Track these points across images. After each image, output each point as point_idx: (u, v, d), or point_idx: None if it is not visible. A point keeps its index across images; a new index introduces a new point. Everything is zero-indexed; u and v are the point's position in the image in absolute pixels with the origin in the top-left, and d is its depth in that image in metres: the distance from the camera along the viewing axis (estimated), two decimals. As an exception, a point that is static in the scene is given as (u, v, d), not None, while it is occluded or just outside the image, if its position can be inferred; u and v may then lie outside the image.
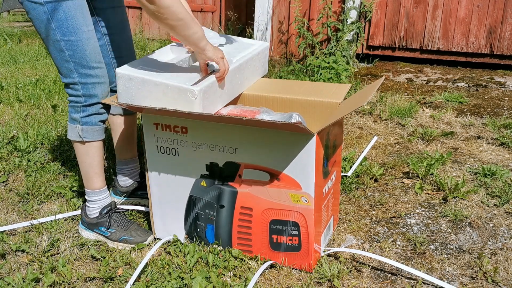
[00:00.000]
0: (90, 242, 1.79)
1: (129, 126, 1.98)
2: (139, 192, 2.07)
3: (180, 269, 1.61)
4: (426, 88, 3.87)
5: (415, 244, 1.78)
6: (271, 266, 1.63)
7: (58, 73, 1.78)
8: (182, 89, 1.51)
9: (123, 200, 2.07)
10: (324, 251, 1.70)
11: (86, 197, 1.82)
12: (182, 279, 1.55)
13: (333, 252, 1.71)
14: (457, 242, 1.80)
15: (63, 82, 1.68)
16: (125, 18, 1.87)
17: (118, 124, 1.96)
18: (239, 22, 5.77)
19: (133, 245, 1.76)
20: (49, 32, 1.59)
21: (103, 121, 1.74)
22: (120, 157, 2.04)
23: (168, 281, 1.54)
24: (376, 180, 2.29)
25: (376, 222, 1.94)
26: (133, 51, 1.94)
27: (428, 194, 2.17)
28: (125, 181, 2.06)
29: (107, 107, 1.74)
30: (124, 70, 1.60)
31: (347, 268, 1.62)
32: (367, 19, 4.33)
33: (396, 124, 3.03)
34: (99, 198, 1.81)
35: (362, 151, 2.60)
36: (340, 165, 1.84)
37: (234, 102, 1.89)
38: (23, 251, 1.75)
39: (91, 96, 1.67)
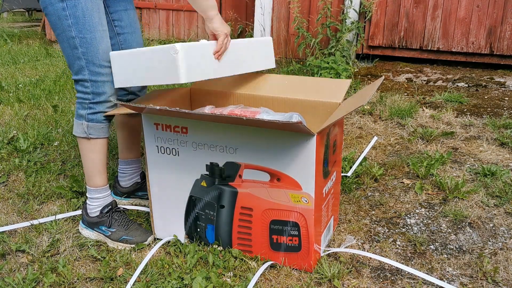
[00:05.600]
0: (90, 242, 1.79)
1: (134, 127, 1.99)
2: (140, 193, 2.07)
3: (180, 269, 1.61)
4: (426, 88, 3.87)
5: (415, 244, 1.78)
6: (271, 266, 1.63)
7: (69, 69, 1.84)
8: (165, 49, 1.53)
9: (123, 200, 2.07)
10: (324, 251, 1.70)
11: (87, 194, 1.82)
12: (182, 279, 1.55)
13: (333, 252, 1.71)
14: (457, 242, 1.80)
15: (73, 79, 1.71)
16: (136, 20, 1.92)
17: (124, 123, 1.97)
18: (239, 22, 5.76)
19: (133, 245, 1.76)
20: (64, 28, 1.63)
21: (109, 119, 1.75)
22: (122, 157, 2.04)
23: (168, 281, 1.54)
24: (376, 180, 2.30)
25: (376, 222, 1.94)
26: None
27: (428, 194, 2.17)
28: (125, 182, 2.06)
29: (113, 106, 1.75)
30: (116, 52, 1.68)
31: (347, 268, 1.62)
32: (367, 19, 4.34)
33: (396, 124, 3.04)
34: (100, 196, 1.81)
35: (362, 151, 2.60)
36: (340, 165, 1.84)
37: (233, 100, 1.89)
38: (23, 251, 1.75)
39: (100, 94, 1.69)
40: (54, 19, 1.64)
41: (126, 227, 1.80)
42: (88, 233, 1.83)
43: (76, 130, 1.74)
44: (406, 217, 1.98)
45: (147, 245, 1.77)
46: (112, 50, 1.85)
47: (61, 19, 1.62)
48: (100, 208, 1.81)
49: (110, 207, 1.81)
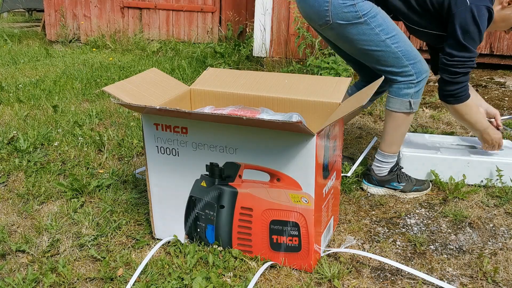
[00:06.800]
0: (90, 242, 1.79)
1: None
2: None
3: (180, 269, 1.61)
4: (426, 88, 3.87)
5: (415, 244, 1.78)
6: (271, 266, 1.63)
7: (379, 70, 2.03)
8: None
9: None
10: (324, 252, 1.70)
11: (380, 158, 2.13)
12: (182, 279, 1.55)
13: (333, 252, 1.71)
14: (457, 242, 1.80)
15: (393, 71, 1.96)
16: None
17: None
18: (239, 22, 5.77)
19: (423, 193, 2.14)
20: (374, 38, 1.92)
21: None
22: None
23: (168, 281, 1.54)
24: (376, 180, 2.29)
25: (376, 223, 1.94)
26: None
27: (428, 194, 2.17)
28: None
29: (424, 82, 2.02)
30: None
31: (347, 269, 1.62)
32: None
33: (396, 124, 3.03)
34: (393, 160, 2.12)
35: (362, 151, 2.60)
36: (340, 166, 1.84)
37: (233, 100, 1.89)
38: (23, 251, 1.75)
39: (421, 72, 1.96)
40: (365, 39, 1.92)
41: (411, 180, 2.14)
42: (377, 190, 2.17)
43: (396, 106, 2.00)
44: (406, 217, 1.98)
45: (147, 245, 1.78)
46: None
47: (370, 35, 1.91)
48: (389, 169, 2.12)
49: (397, 167, 2.14)
